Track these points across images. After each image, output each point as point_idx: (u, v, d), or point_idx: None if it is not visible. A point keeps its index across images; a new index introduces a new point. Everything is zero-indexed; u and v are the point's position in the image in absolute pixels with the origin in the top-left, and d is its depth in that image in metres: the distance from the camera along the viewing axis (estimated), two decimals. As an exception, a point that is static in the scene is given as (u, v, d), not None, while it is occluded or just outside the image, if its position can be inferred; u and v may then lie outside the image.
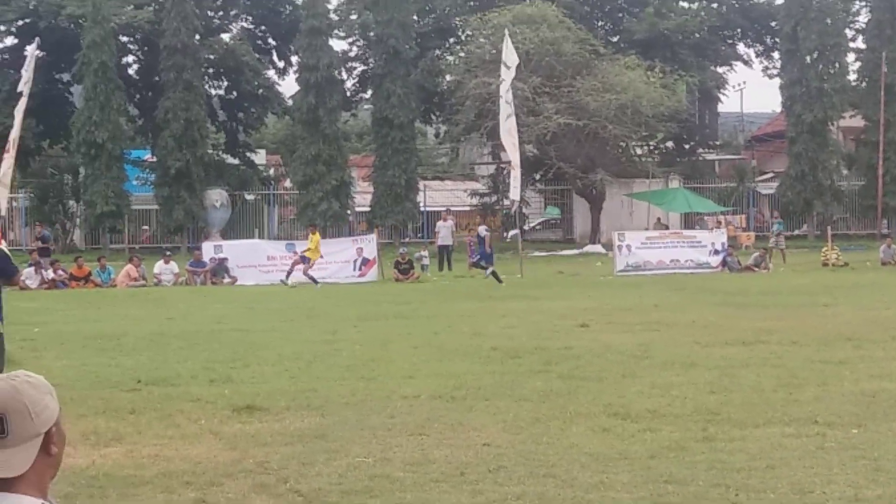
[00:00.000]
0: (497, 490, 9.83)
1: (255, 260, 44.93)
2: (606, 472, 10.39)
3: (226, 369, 17.77)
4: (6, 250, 14.82)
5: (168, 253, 48.51)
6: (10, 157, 43.25)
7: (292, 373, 17.39)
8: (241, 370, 17.79)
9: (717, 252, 45.41)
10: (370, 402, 14.54)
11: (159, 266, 44.54)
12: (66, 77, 71.70)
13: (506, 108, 45.07)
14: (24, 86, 44.01)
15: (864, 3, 74.16)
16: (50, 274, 42.65)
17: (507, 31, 46.62)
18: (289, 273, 41.27)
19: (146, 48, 72.52)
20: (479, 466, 10.74)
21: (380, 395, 15.05)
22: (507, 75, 45.18)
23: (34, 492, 3.84)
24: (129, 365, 18.61)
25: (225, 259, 44.82)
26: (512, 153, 45.47)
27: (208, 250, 46.30)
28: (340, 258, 45.23)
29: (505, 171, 59.20)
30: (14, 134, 43.75)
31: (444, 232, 51.28)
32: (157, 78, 67.28)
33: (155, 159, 66.89)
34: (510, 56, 45.20)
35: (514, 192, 46.51)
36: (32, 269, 42.75)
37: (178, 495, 9.89)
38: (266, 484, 10.27)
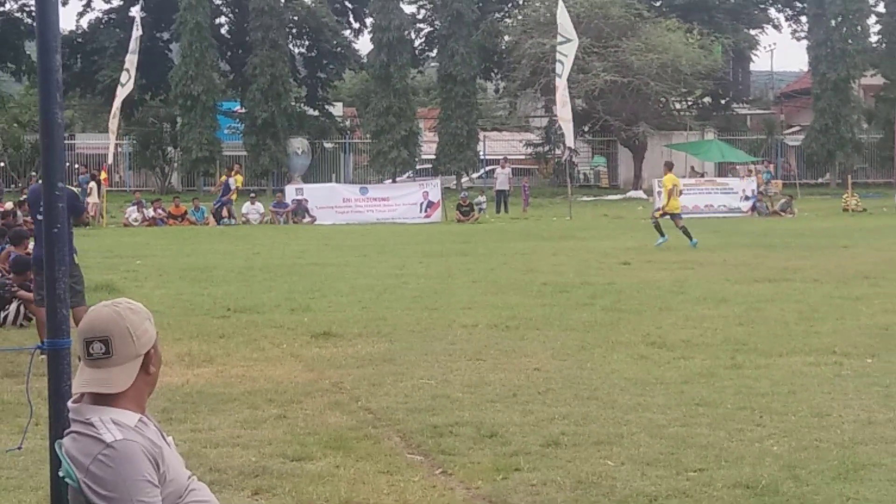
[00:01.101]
0: (545, 410, 9.85)
1: (332, 202, 45.05)
2: (643, 395, 10.38)
3: (305, 299, 17.87)
4: (76, 190, 14.89)
5: (253, 195, 48.72)
6: (116, 109, 43.63)
7: (364, 303, 17.46)
8: (318, 300, 17.89)
9: (747, 198, 45.12)
10: (433, 329, 14.58)
11: (246, 206, 44.76)
12: (165, 36, 72.07)
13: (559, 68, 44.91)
14: (133, 43, 44.15)
15: (885, -28, 73.07)
16: (150, 212, 42.99)
17: (561, 4, 46.17)
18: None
19: (237, 10, 72.67)
20: (530, 389, 10.76)
21: (442, 323, 15.09)
22: (570, 48, 44.75)
23: (134, 407, 3.90)
24: (220, 294, 18.75)
25: (305, 200, 44.99)
26: (563, 108, 45.31)
27: (290, 193, 46.47)
28: (408, 200, 45.26)
29: (557, 124, 58.94)
30: (130, 88, 44.09)
31: (502, 178, 51.25)
32: (246, 37, 67.33)
33: (244, 111, 67.01)
34: (568, 29, 44.84)
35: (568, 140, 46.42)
36: (135, 207, 43.13)
37: (262, 411, 9.96)
38: (340, 402, 10.33)
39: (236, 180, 46.78)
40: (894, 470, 7.88)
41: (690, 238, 28.32)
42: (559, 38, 45.55)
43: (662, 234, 28.72)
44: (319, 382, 11.24)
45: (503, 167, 52.09)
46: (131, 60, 43.54)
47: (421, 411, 9.86)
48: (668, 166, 31.64)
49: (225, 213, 43.70)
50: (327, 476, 7.92)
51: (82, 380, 3.89)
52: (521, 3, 72.72)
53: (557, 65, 45.62)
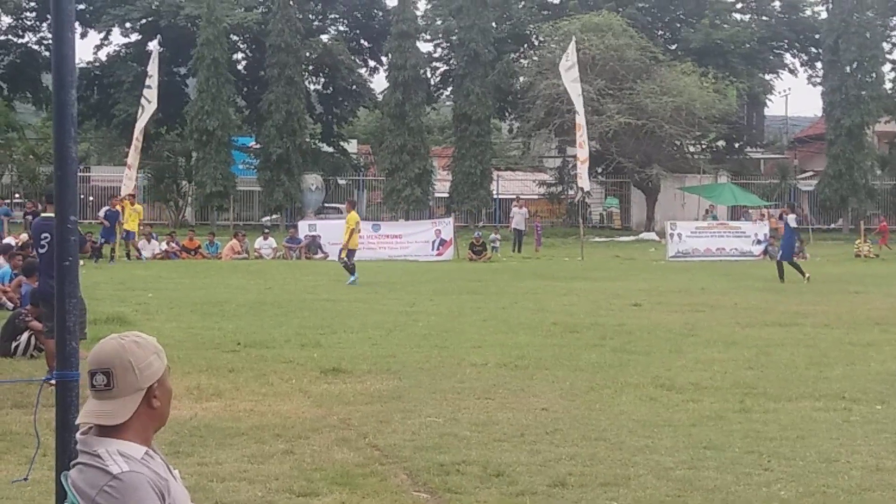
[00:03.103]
0: (553, 450, 9.84)
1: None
2: (651, 437, 10.36)
3: (315, 335, 17.87)
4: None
5: (267, 230, 48.80)
6: (137, 143, 43.89)
7: (374, 340, 17.46)
8: (328, 336, 17.89)
9: (759, 242, 45.06)
10: (442, 368, 14.58)
11: (259, 242, 44.86)
12: (182, 70, 72.42)
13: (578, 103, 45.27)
14: (152, 79, 44.39)
15: (900, 19, 73.31)
16: (163, 245, 43.12)
17: (573, 42, 46.39)
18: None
19: (254, 46, 73.00)
20: (538, 429, 10.75)
21: (451, 362, 15.08)
22: (568, 77, 45.12)
23: (138, 440, 3.91)
24: (230, 329, 18.76)
25: (318, 236, 45.05)
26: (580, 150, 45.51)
27: (303, 228, 46.56)
28: (420, 238, 45.29)
29: (570, 164, 59.06)
30: (143, 122, 44.28)
31: (518, 217, 51.38)
32: (262, 73, 67.66)
33: (259, 146, 67.28)
34: (568, 60, 45.19)
35: (584, 182, 46.58)
36: (145, 240, 43.28)
37: (269, 446, 9.96)
38: (347, 438, 10.33)
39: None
40: (901, 517, 7.87)
41: None
42: (571, 76, 45.78)
43: None
44: (327, 418, 11.24)
45: (520, 207, 52.23)
46: (149, 91, 43.87)
47: (428, 449, 9.85)
48: None
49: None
50: (333, 512, 7.92)
51: (85, 410, 3.91)
52: (536, 44, 72.99)
53: (576, 102, 45.95)
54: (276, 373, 14.02)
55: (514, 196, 57.93)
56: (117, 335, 3.95)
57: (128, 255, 40.15)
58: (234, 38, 70.80)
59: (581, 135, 45.64)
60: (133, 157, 44.30)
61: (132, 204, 41.86)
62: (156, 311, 21.91)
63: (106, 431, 3.89)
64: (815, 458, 9.54)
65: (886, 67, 70.58)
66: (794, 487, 8.62)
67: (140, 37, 72.41)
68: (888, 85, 70.15)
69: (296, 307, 22.90)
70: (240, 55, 75.55)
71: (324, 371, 14.09)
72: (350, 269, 30.16)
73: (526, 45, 75.67)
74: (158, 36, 58.27)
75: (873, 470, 9.17)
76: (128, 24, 71.65)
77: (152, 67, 45.40)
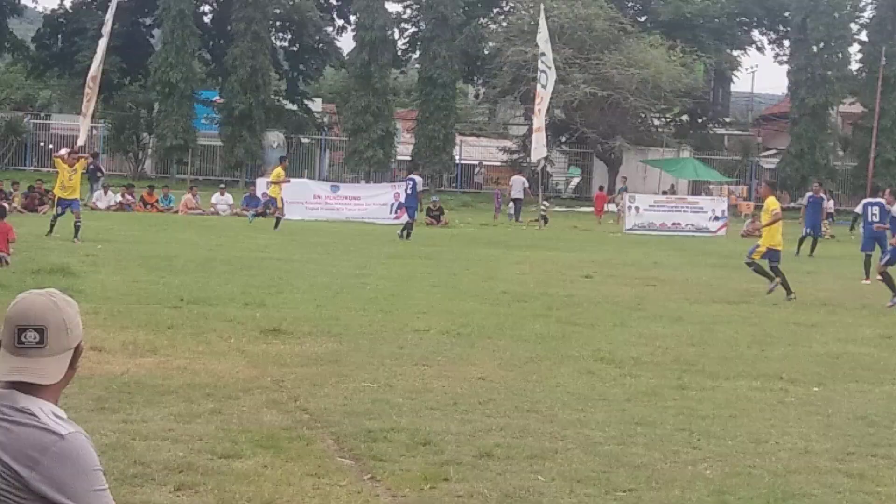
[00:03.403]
0: (484, 420, 9.80)
1: (303, 197, 44.85)
2: (584, 411, 10.34)
3: (261, 294, 17.77)
4: None
5: (223, 186, 48.58)
6: (92, 92, 43.31)
7: (319, 301, 17.38)
8: (274, 296, 17.79)
9: (716, 218, 45.10)
10: (384, 332, 14.52)
11: (216, 197, 44.63)
12: (147, 21, 71.80)
13: (542, 78, 45.04)
14: (105, 27, 43.90)
15: (869, 1, 73.45)
16: (118, 197, 42.83)
17: (542, 9, 46.18)
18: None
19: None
20: (472, 398, 10.71)
21: (394, 327, 15.02)
22: (544, 50, 44.99)
23: (53, 401, 3.81)
24: (176, 284, 18.63)
25: (275, 195, 44.86)
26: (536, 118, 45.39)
27: (261, 186, 46.32)
28: (379, 201, 45.16)
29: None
30: (94, 71, 43.73)
31: (517, 185, 51.26)
32: (228, 27, 67.09)
33: (222, 101, 66.84)
34: (541, 35, 45.03)
35: (541, 151, 46.40)
36: (102, 191, 42.99)
37: (198, 405, 9.88)
38: (278, 400, 10.26)
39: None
40: (824, 501, 7.88)
41: None
42: (540, 49, 45.70)
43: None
44: (260, 379, 11.16)
45: (521, 175, 52.37)
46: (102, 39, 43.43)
47: (358, 415, 9.79)
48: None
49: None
50: (253, 475, 7.86)
51: (9, 367, 3.77)
52: (506, 9, 72.82)
53: (541, 74, 45.72)
54: (215, 331, 13.92)
55: (478, 161, 57.72)
56: (42, 291, 3.83)
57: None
58: (202, -10, 70.30)
59: (539, 103, 45.49)
60: (85, 105, 43.85)
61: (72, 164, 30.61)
62: (103, 263, 21.73)
63: (27, 390, 3.77)
64: (745, 438, 9.54)
65: (853, 48, 70.71)
66: (721, 467, 8.61)
67: (106, -15, 71.73)
68: (854, 66, 70.34)
69: (245, 265, 22.77)
70: (206, 8, 74.96)
71: (263, 331, 14.00)
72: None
73: (496, 11, 75.48)
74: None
75: (801, 452, 9.16)
76: (92, -28, 71.00)
77: (109, 15, 44.94)
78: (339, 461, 8.41)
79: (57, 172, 28.94)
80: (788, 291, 20.93)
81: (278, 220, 35.20)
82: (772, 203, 22.94)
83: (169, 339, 13.15)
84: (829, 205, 56.06)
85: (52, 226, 28.13)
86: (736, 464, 8.72)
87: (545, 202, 49.57)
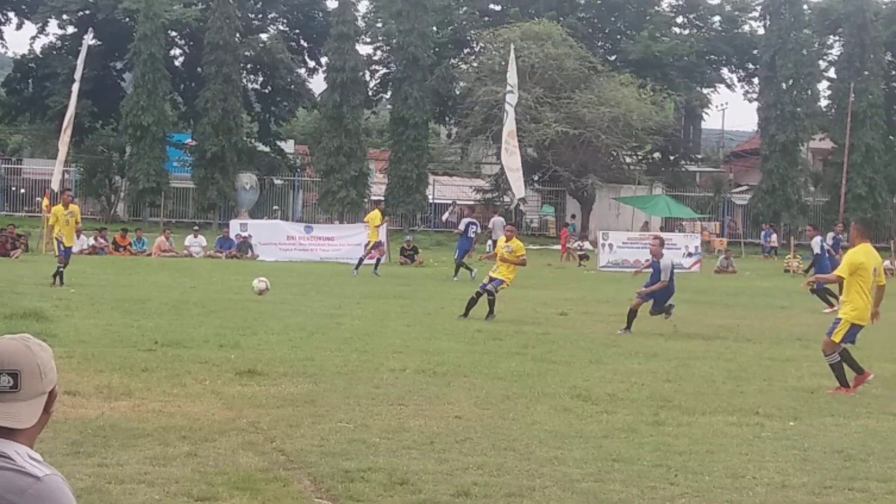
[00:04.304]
0: (461, 459, 9.76)
1: (276, 238, 44.93)
2: (562, 449, 10.31)
3: (235, 336, 17.72)
4: None
5: (196, 227, 48.53)
6: (66, 136, 43.36)
7: (294, 342, 17.34)
8: (248, 337, 17.75)
9: (690, 255, 45.24)
10: (360, 372, 14.48)
11: (189, 239, 44.58)
12: (118, 65, 71.89)
13: (510, 114, 45.11)
14: (77, 72, 44.01)
15: (836, 38, 74.06)
16: (90, 241, 42.70)
17: (512, 53, 46.31)
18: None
19: (191, 43, 72.54)
20: (448, 437, 10.67)
21: (369, 366, 14.99)
22: (511, 96, 45.09)
23: (29, 445, 3.78)
24: (150, 327, 18.56)
25: (249, 236, 44.86)
26: (510, 158, 45.42)
27: (235, 228, 46.35)
28: (353, 241, 45.12)
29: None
30: (69, 114, 43.79)
31: (498, 227, 51.38)
32: (199, 70, 67.22)
33: (194, 143, 66.83)
34: (512, 76, 45.14)
35: (519, 190, 46.52)
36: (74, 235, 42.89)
37: (174, 448, 9.82)
38: (254, 442, 10.21)
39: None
40: (802, 535, 7.86)
41: None
42: (507, 88, 45.88)
43: None
44: (236, 421, 11.11)
45: (498, 216, 52.66)
46: (75, 84, 43.50)
47: (335, 455, 9.74)
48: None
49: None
50: (230, 517, 7.80)
51: None
52: (476, 50, 73.15)
53: (504, 114, 45.93)
54: (190, 373, 13.86)
55: (452, 201, 57.69)
56: (15, 336, 3.81)
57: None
58: (172, 33, 70.25)
59: (505, 144, 45.59)
60: (62, 151, 43.86)
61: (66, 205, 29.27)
62: (76, 307, 21.64)
63: (2, 434, 3.75)
64: (723, 474, 9.53)
65: (822, 85, 71.43)
66: (698, 502, 8.61)
67: (76, 29, 71.55)
68: (823, 102, 70.91)
69: (219, 307, 22.72)
70: (177, 51, 75.02)
71: (239, 373, 13.94)
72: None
73: (466, 51, 75.84)
74: (91, 29, 57.56)
75: (779, 487, 9.16)
76: (64, 16, 70.91)
77: (81, 59, 44.98)
78: (317, 502, 8.37)
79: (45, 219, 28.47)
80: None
81: (378, 262, 36.54)
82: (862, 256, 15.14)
83: (143, 382, 13.08)
84: (773, 239, 56.82)
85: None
86: (713, 499, 8.71)
87: (579, 242, 49.88)
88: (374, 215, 38.23)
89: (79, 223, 29.59)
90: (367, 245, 37.31)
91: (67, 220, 27.74)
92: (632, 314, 21.09)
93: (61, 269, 26.91)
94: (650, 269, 22.51)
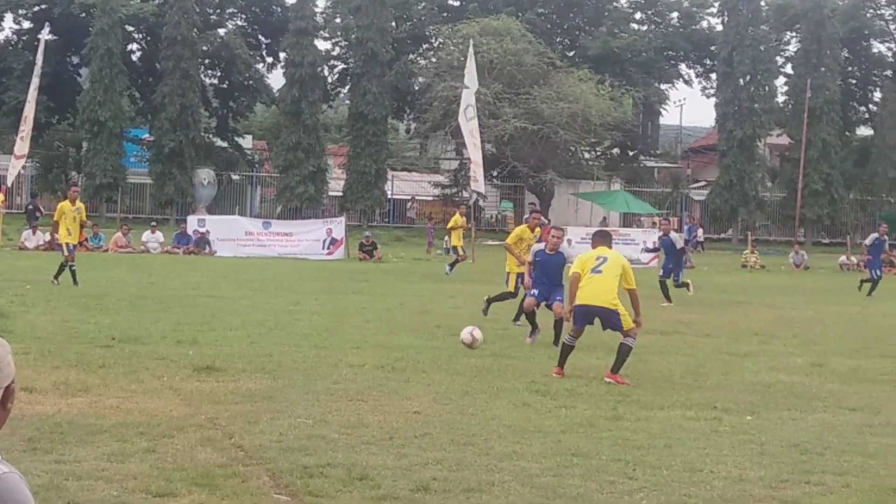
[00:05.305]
0: (420, 454, 9.76)
1: (234, 234, 44.83)
2: (520, 443, 10.33)
3: (193, 332, 17.64)
4: None
5: (154, 223, 48.31)
6: (25, 133, 43.12)
7: (253, 338, 17.29)
8: (207, 333, 17.68)
9: (648, 250, 45.34)
10: (319, 368, 14.46)
11: (146, 235, 44.38)
12: (75, 60, 71.43)
13: (470, 112, 45.02)
14: (37, 68, 43.75)
15: (793, 34, 74.56)
16: (46, 237, 42.45)
17: (471, 51, 46.33)
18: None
19: (149, 38, 72.25)
20: (407, 432, 10.67)
21: (328, 362, 14.97)
22: (468, 94, 44.99)
23: None
24: (107, 323, 18.47)
25: (207, 232, 44.69)
26: (473, 152, 45.38)
27: (192, 223, 46.18)
28: (311, 237, 45.14)
29: (466, 167, 59.20)
30: (27, 110, 43.52)
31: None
32: (157, 65, 67.05)
33: (151, 138, 66.57)
34: (471, 79, 45.11)
35: (479, 186, 46.45)
36: (30, 231, 42.61)
37: (132, 444, 9.77)
38: (213, 438, 10.17)
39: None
40: (759, 528, 7.91)
41: None
42: (465, 83, 45.88)
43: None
44: (195, 417, 11.07)
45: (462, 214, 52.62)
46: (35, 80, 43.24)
47: (294, 451, 9.72)
48: None
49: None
50: (189, 514, 7.78)
51: None
52: (435, 46, 73.15)
53: (469, 108, 45.82)
54: (147, 369, 13.80)
55: (410, 197, 57.77)
56: None
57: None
58: (130, 28, 69.96)
59: (470, 138, 45.57)
60: (20, 146, 43.57)
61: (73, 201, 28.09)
62: (32, 303, 21.51)
63: None
64: (681, 468, 9.57)
65: (779, 81, 71.91)
66: (656, 496, 8.63)
67: (32, 25, 71.22)
68: (780, 98, 71.40)
69: (177, 303, 22.64)
70: (135, 46, 74.63)
71: (197, 369, 13.89)
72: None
73: (425, 46, 75.84)
74: (47, 24, 57.26)
75: (736, 480, 9.21)
76: (21, 11, 70.50)
77: (39, 55, 44.71)
78: (276, 498, 8.35)
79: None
80: None
81: (454, 263, 35.72)
82: None
83: (101, 379, 13.01)
84: (699, 234, 57.03)
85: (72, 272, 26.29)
86: (671, 493, 8.75)
87: None
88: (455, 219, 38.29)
89: (85, 220, 28.72)
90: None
91: (75, 216, 27.02)
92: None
93: (73, 267, 26.21)
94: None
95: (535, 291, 18.22)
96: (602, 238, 15.87)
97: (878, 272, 33.51)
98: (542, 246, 18.37)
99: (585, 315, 14.59)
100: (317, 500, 8.27)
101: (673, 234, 29.85)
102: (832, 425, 11.77)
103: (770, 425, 11.66)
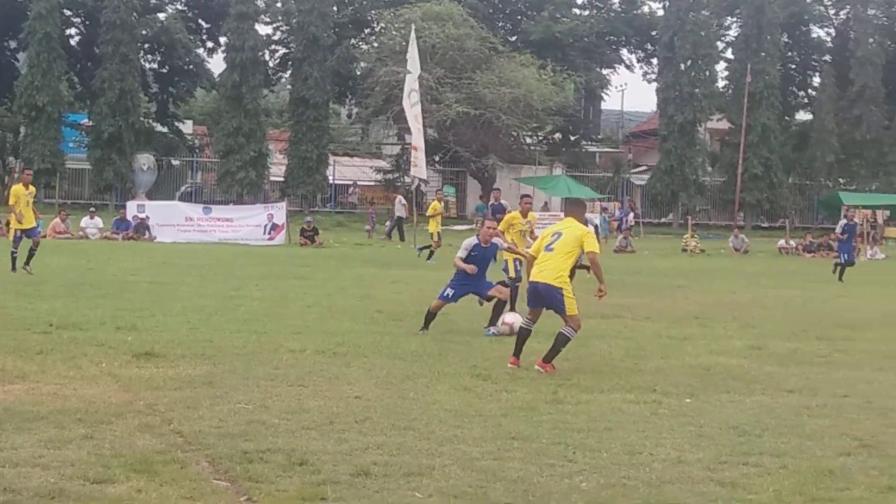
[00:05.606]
0: (361, 439, 9.75)
1: (174, 220, 44.59)
2: (461, 427, 10.34)
3: (132, 318, 17.53)
4: None
5: (93, 209, 47.95)
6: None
7: (193, 324, 17.20)
8: (146, 319, 17.57)
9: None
10: (259, 353, 14.41)
11: (85, 221, 44.05)
12: (13, 44, 70.76)
13: (413, 97, 45.01)
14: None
15: (734, 20, 75.05)
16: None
17: (412, 36, 46.28)
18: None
19: (88, 22, 71.68)
20: (348, 417, 10.65)
21: (269, 348, 14.92)
22: (411, 79, 44.97)
23: None
24: (45, 309, 18.31)
25: (147, 218, 44.41)
26: (417, 137, 45.36)
27: (132, 209, 45.87)
28: (252, 222, 44.98)
29: (408, 152, 59.23)
30: None
31: (398, 206, 51.79)
32: (96, 50, 66.49)
33: (90, 123, 66.05)
34: (413, 64, 45.09)
35: (420, 171, 46.45)
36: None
37: (69, 431, 9.69)
38: (151, 424, 10.11)
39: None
40: (698, 510, 7.97)
41: None
42: (408, 68, 45.88)
43: None
44: (133, 403, 11.00)
45: (397, 196, 53.06)
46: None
47: (233, 436, 9.68)
48: None
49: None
50: (127, 500, 7.72)
51: None
52: (377, 30, 73.01)
53: (412, 93, 45.76)
54: (86, 356, 13.70)
55: (352, 182, 57.51)
56: None
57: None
58: (68, 12, 69.39)
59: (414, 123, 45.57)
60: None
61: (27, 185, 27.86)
62: (-32, 290, 21.32)
63: None
64: (620, 450, 9.61)
65: (720, 66, 72.40)
66: (596, 479, 8.67)
67: (-33, 8, 70.53)
68: (721, 83, 71.87)
69: (116, 289, 22.50)
70: (73, 31, 74.05)
71: (136, 355, 13.80)
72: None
73: (367, 31, 75.65)
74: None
75: (675, 462, 9.27)
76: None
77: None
78: (215, 483, 8.31)
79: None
80: None
81: (427, 248, 36.03)
82: None
83: (38, 365, 12.90)
84: (630, 218, 57.55)
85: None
86: (611, 475, 8.78)
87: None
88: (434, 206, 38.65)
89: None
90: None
91: (29, 200, 26.65)
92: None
93: (15, 255, 25.81)
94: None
95: (451, 293, 17.77)
96: (572, 207, 15.71)
97: (847, 256, 33.68)
98: (476, 240, 18.12)
99: (535, 294, 14.35)
100: (256, 485, 8.24)
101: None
102: (770, 407, 11.86)
103: (709, 408, 11.74)
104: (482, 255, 17.94)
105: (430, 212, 38.23)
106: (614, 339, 17.21)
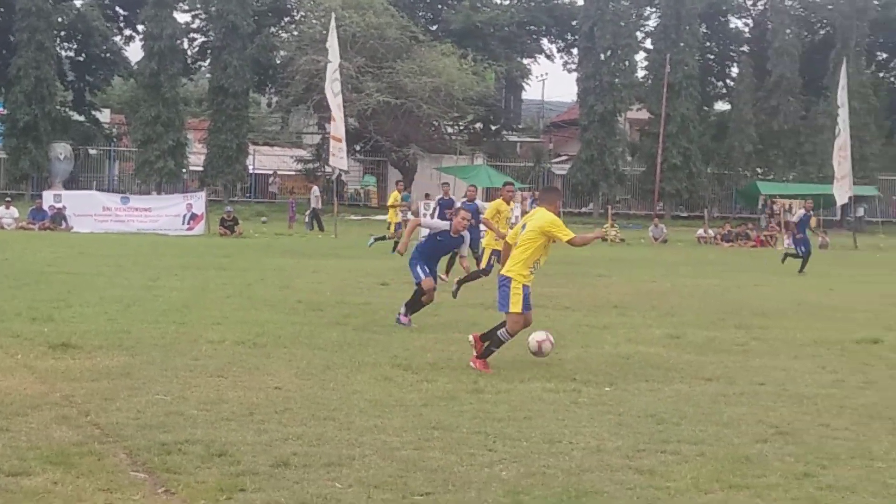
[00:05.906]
0: (280, 430, 9.73)
1: (92, 210, 44.15)
2: (382, 417, 10.35)
3: (49, 309, 17.35)
4: None
5: (8, 199, 47.39)
6: None
7: (110, 315, 17.05)
8: (63, 310, 17.40)
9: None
10: (178, 344, 14.32)
11: (1, 210, 43.50)
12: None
13: (336, 87, 44.97)
14: None
15: (653, 10, 75.56)
16: None
17: (332, 24, 46.16)
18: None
19: (3, 9, 70.55)
20: (268, 408, 10.63)
21: (188, 338, 14.82)
22: (331, 68, 44.96)
23: None
24: (-43, 301, 18.09)
25: (63, 207, 43.95)
26: (339, 126, 45.31)
27: (48, 199, 45.37)
28: (171, 212, 44.66)
29: (328, 141, 59.12)
30: None
31: (313, 197, 51.79)
32: (10, 37, 65.59)
33: (5, 112, 65.25)
34: (333, 53, 45.05)
35: (341, 162, 46.44)
36: None
37: (-16, 423, 9.60)
38: (68, 416, 10.02)
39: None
40: (616, 497, 8.03)
41: None
42: (328, 57, 45.84)
43: None
44: (50, 395, 10.89)
45: (313, 187, 53.12)
46: None
47: (151, 428, 9.62)
48: None
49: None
50: (43, 492, 7.66)
51: None
52: (297, 18, 72.73)
53: (334, 83, 45.67)
54: (1, 347, 13.56)
55: (272, 171, 57.29)
56: None
57: None
58: (-18, -1, 68.43)
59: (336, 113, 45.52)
60: None
61: None
62: None
63: None
64: (540, 439, 9.67)
65: (639, 56, 72.90)
66: (516, 468, 8.71)
67: None
68: (640, 73, 72.42)
69: (32, 279, 22.25)
70: (-13, 18, 73.00)
71: (52, 346, 13.66)
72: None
73: (287, 20, 75.37)
74: None
75: (594, 451, 9.34)
76: None
77: None
78: (133, 475, 8.26)
79: None
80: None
81: (383, 238, 35.49)
82: None
83: (-48, 357, 12.76)
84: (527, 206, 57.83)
85: None
86: (531, 464, 8.84)
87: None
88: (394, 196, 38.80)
89: None
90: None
91: None
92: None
93: None
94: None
95: (428, 269, 17.73)
96: (543, 195, 15.57)
97: (804, 248, 33.73)
98: (446, 226, 17.99)
99: None
100: (175, 476, 8.20)
101: (478, 202, 29.53)
102: (688, 395, 11.98)
103: (628, 396, 11.84)
104: (446, 242, 17.96)
105: (390, 202, 38.67)
106: (534, 328, 17.25)
